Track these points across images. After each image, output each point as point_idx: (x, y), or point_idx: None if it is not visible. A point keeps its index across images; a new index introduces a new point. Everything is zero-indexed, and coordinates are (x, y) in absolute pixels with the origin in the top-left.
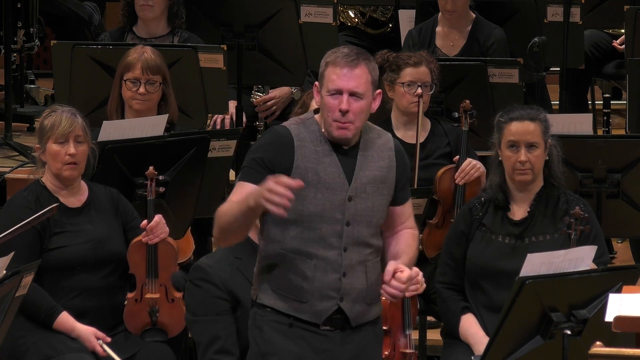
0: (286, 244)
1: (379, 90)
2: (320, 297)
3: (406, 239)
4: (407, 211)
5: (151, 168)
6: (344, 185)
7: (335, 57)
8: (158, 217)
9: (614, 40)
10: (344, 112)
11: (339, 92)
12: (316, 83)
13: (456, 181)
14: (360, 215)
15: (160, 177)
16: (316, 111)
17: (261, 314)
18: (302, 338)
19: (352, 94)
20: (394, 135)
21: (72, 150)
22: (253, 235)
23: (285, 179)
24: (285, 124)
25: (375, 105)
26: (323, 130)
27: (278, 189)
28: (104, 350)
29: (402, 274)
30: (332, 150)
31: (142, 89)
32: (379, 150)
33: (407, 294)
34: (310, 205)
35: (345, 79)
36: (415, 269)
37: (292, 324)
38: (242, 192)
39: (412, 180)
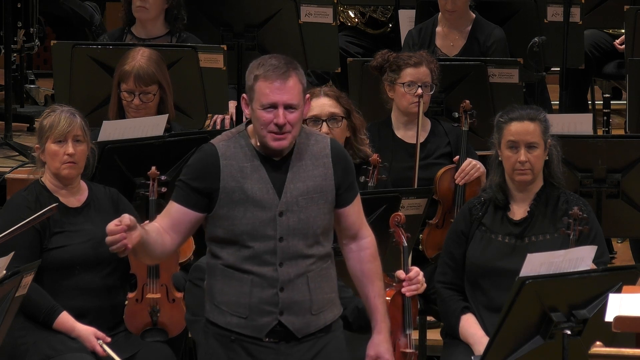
0: (225, 260)
1: (307, 95)
2: (259, 312)
3: (369, 271)
4: (354, 210)
5: (153, 168)
6: (273, 200)
7: (265, 71)
8: None
9: (615, 40)
10: (281, 126)
11: (273, 106)
12: (244, 95)
13: (456, 181)
14: (294, 229)
15: (163, 178)
16: (248, 122)
17: (207, 328)
18: (246, 350)
19: (287, 106)
20: (394, 135)
21: (70, 150)
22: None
23: (113, 222)
24: (215, 140)
25: (306, 110)
26: (256, 143)
27: (108, 239)
28: (104, 350)
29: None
30: (262, 164)
31: (136, 101)
32: (313, 159)
33: (408, 294)
34: (240, 225)
35: (279, 93)
36: (416, 269)
37: (234, 339)
38: (169, 211)
39: (412, 179)
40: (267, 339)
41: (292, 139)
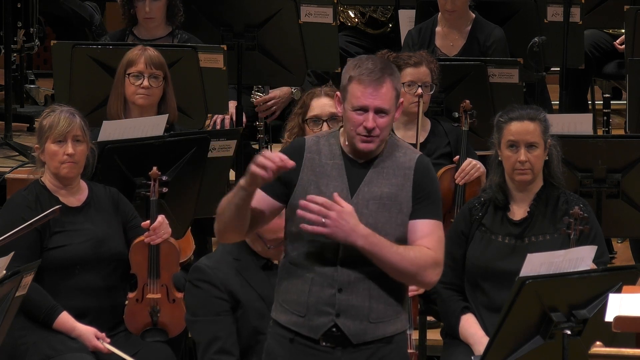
0: (291, 257)
1: (401, 100)
2: (317, 312)
3: (413, 246)
4: (424, 229)
5: (154, 168)
6: (345, 200)
7: (359, 73)
8: (161, 218)
9: (615, 41)
10: (370, 130)
11: (364, 109)
12: (337, 93)
13: (456, 181)
14: None
15: (164, 178)
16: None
17: (271, 326)
18: (303, 354)
19: (378, 110)
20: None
21: (69, 150)
22: (249, 240)
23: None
24: (308, 136)
25: (398, 114)
26: (344, 142)
27: (267, 156)
28: (107, 348)
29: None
30: (344, 164)
31: (145, 83)
32: (395, 168)
33: (409, 294)
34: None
35: (372, 98)
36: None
37: (292, 339)
38: None
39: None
40: (323, 343)
41: (380, 143)
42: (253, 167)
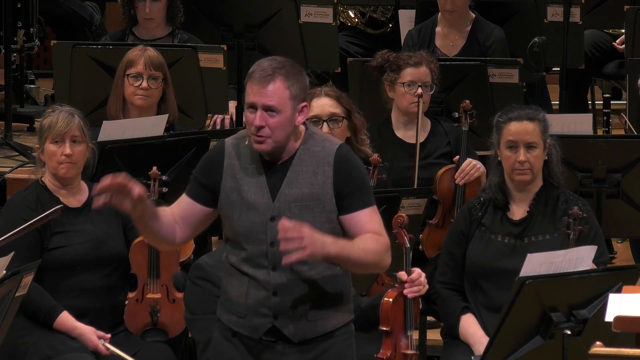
0: (230, 259)
1: (304, 103)
2: (255, 314)
3: (363, 236)
4: (364, 219)
5: (155, 168)
6: (268, 205)
7: (252, 72)
8: None
9: (615, 41)
10: (258, 128)
11: (253, 106)
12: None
13: (456, 181)
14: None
15: (164, 178)
16: None
17: (217, 322)
18: (246, 346)
19: (267, 109)
20: (394, 135)
21: (67, 150)
22: None
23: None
24: (229, 137)
25: (301, 118)
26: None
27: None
28: (107, 349)
29: None
30: (262, 168)
31: (144, 84)
32: (315, 165)
33: (410, 296)
34: (236, 226)
35: (259, 95)
36: (418, 271)
37: (235, 334)
38: (180, 202)
39: (412, 179)
40: (264, 338)
41: (274, 144)
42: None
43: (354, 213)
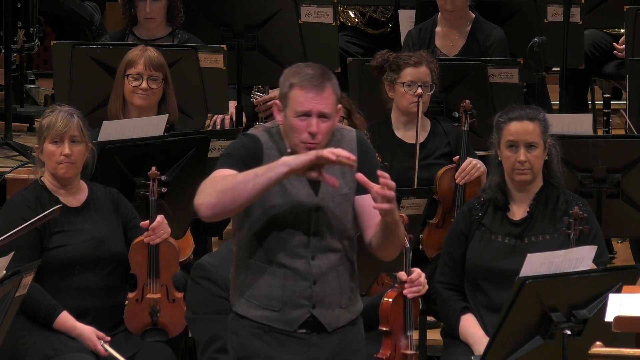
0: (257, 253)
1: (339, 106)
2: (292, 306)
3: None
4: None
5: (154, 168)
6: (310, 196)
7: (301, 80)
8: (160, 218)
9: (614, 42)
10: (314, 135)
11: (307, 114)
12: (276, 102)
13: (457, 181)
14: (328, 224)
15: (163, 178)
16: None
17: (237, 319)
18: (278, 341)
19: (321, 115)
20: (394, 135)
21: (66, 150)
22: None
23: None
24: (252, 131)
25: (337, 120)
26: (288, 149)
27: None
28: (106, 350)
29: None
30: None
31: (144, 84)
32: (338, 147)
33: (410, 296)
34: (277, 217)
35: (314, 102)
36: (418, 271)
37: (267, 331)
38: (230, 173)
39: (412, 179)
40: (299, 331)
41: (321, 148)
42: (326, 153)
43: (368, 195)
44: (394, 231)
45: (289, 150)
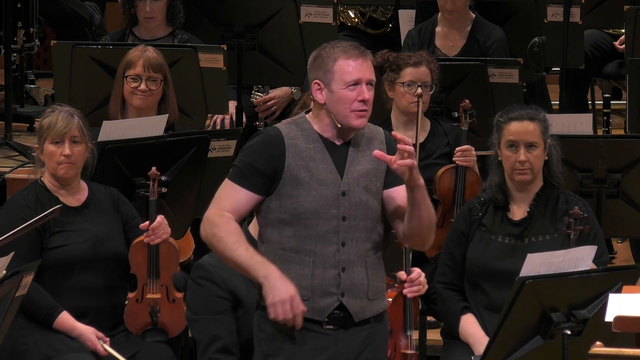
0: (284, 244)
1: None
2: (321, 294)
3: None
4: (403, 192)
5: (154, 168)
6: (336, 180)
7: (344, 51)
8: (160, 218)
9: (614, 41)
10: (366, 101)
11: (357, 82)
12: (317, 81)
13: (454, 157)
14: (355, 209)
15: (163, 178)
16: (307, 111)
17: (264, 316)
18: (305, 338)
19: (369, 82)
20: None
21: (67, 151)
22: (253, 231)
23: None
24: (278, 124)
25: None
26: (318, 128)
27: (288, 309)
28: (105, 350)
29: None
30: (324, 147)
31: (142, 86)
32: (369, 144)
33: (409, 296)
34: (305, 203)
35: (363, 69)
36: (417, 271)
37: (294, 327)
38: (235, 197)
39: None
40: (327, 327)
41: (368, 118)
42: (273, 310)
43: (398, 187)
44: (421, 201)
45: (325, 127)
